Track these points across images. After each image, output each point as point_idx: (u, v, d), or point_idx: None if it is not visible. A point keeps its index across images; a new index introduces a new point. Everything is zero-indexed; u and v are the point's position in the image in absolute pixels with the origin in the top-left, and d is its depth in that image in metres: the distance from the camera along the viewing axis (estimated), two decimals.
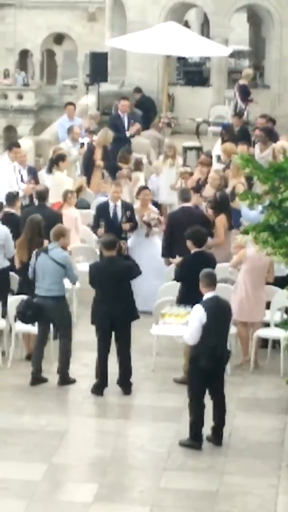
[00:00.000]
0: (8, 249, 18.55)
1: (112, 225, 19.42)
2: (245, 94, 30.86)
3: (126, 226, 19.55)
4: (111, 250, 17.08)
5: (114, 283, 16.80)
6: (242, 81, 31.38)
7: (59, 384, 16.99)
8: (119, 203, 19.79)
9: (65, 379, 17.07)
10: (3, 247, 18.48)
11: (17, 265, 18.47)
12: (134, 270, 17.41)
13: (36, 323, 17.17)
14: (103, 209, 19.94)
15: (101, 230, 19.42)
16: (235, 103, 31.17)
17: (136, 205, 20.61)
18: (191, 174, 23.54)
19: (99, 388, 16.80)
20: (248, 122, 29.35)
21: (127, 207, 19.90)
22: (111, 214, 19.69)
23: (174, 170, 24.47)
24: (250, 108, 30.85)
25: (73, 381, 17.10)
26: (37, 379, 17.04)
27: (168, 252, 19.55)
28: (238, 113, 29.59)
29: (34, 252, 17.19)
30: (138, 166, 24.32)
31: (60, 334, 17.33)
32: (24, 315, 17.02)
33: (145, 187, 21.39)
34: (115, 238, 17.86)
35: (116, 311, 16.68)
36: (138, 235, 20.12)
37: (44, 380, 17.13)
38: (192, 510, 13.68)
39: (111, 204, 19.74)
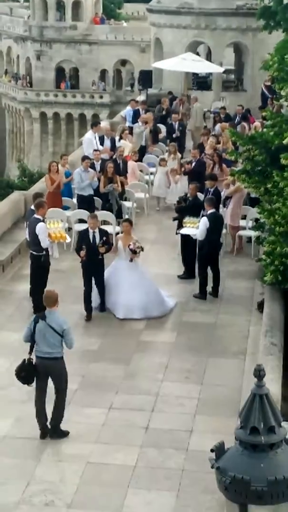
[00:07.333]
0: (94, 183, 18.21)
1: (91, 248, 14.19)
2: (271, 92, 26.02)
3: (102, 249, 14.11)
4: None
5: None
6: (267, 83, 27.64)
7: (51, 437, 10.50)
8: (97, 231, 14.30)
9: (57, 432, 10.59)
10: (90, 184, 18.14)
11: (100, 191, 18.18)
12: None
13: (35, 380, 10.55)
14: (84, 235, 14.48)
15: (83, 253, 14.16)
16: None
17: (120, 234, 15.43)
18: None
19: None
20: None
21: (102, 233, 14.43)
22: (90, 240, 14.26)
23: (176, 161, 21.03)
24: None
25: (66, 434, 10.53)
26: (45, 432, 10.53)
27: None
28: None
29: (33, 317, 10.70)
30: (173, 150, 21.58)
31: (56, 390, 10.54)
32: (19, 375, 10.52)
33: (125, 220, 15.40)
34: None
35: None
36: (120, 258, 14.54)
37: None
38: (201, 334, 13.62)
39: (90, 231, 14.32)
